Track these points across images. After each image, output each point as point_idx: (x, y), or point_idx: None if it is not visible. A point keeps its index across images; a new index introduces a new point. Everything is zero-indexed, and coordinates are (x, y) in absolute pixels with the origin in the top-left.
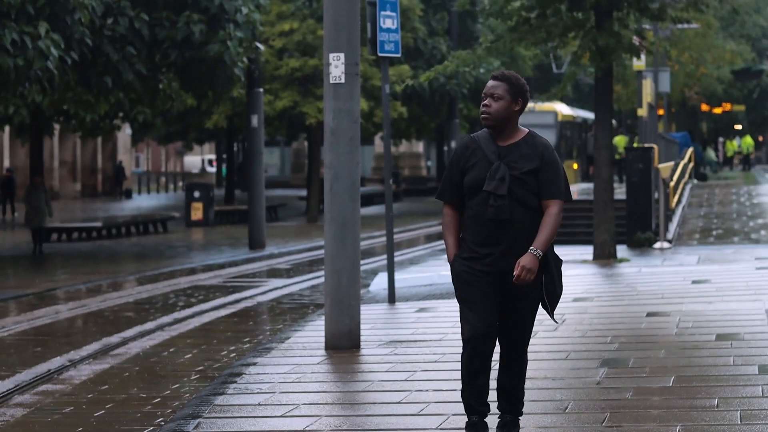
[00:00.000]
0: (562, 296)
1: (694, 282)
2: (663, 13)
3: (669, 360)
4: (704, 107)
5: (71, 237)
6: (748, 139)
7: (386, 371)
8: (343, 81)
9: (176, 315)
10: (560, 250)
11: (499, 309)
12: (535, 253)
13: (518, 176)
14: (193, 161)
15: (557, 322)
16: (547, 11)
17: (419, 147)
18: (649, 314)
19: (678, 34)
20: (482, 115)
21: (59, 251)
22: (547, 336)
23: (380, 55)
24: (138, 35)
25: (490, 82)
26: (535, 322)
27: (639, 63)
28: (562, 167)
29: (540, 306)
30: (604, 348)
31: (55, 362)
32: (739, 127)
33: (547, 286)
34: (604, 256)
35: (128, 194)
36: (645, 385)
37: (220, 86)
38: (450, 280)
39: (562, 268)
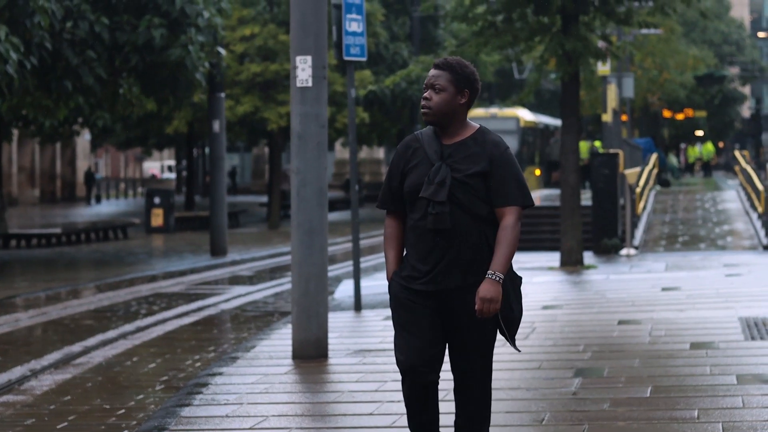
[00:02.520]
0: (534, 303)
1: (663, 289)
2: (629, 18)
3: (644, 369)
4: (666, 113)
5: (30, 243)
6: (709, 146)
7: (356, 381)
8: (310, 84)
9: (138, 323)
10: (525, 257)
11: (445, 336)
12: (495, 277)
13: (461, 179)
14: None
15: (518, 350)
16: (513, 15)
17: (380, 153)
18: (620, 322)
19: (641, 39)
20: (422, 110)
21: (18, 258)
22: (519, 345)
23: (346, 59)
24: (98, 39)
25: (431, 71)
26: None
27: (604, 68)
28: (519, 168)
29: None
30: (577, 357)
31: (16, 372)
32: (700, 133)
33: (502, 309)
34: (571, 263)
35: (98, 199)
36: (622, 395)
37: (181, 91)
38: None
39: (523, 285)
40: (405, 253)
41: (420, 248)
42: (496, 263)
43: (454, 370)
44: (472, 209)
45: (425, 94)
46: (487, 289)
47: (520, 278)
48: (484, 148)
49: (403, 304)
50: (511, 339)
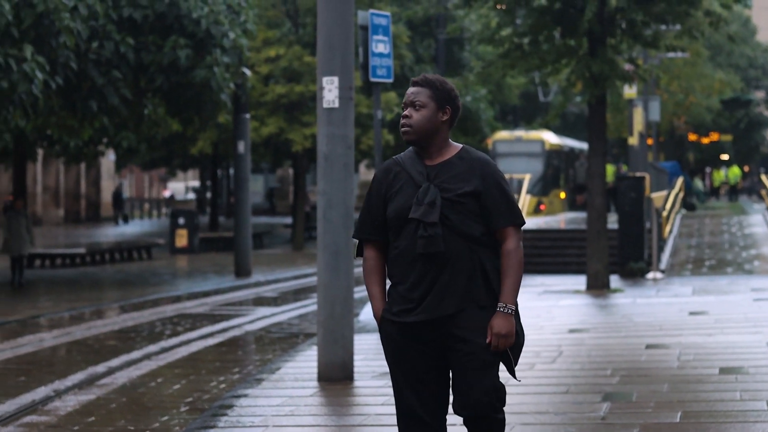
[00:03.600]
0: (560, 326)
1: (691, 313)
2: (656, 41)
3: (674, 394)
4: (692, 137)
5: (54, 263)
6: (735, 170)
7: (382, 404)
8: (337, 105)
9: (163, 344)
10: (551, 280)
11: (445, 370)
12: (506, 310)
13: (453, 199)
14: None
15: (518, 380)
16: (540, 37)
17: None
18: (648, 346)
19: (667, 62)
20: (402, 129)
21: (42, 278)
22: (546, 369)
23: (372, 80)
24: (123, 59)
25: (410, 89)
26: (533, 353)
27: (630, 91)
28: (509, 185)
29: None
30: (605, 381)
31: (40, 392)
32: (725, 157)
33: None
34: (598, 287)
35: (126, 219)
36: (652, 420)
37: (206, 112)
38: None
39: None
40: (389, 286)
41: (410, 275)
42: (505, 294)
43: (458, 404)
44: (464, 230)
45: (405, 113)
46: (501, 325)
47: (516, 304)
48: (472, 166)
49: (399, 346)
50: (511, 368)
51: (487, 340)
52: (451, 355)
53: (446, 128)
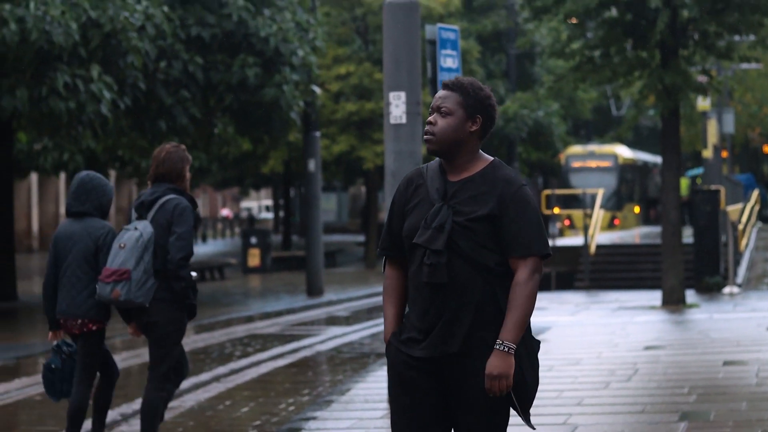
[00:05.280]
0: (635, 343)
1: None
2: (730, 52)
3: (753, 413)
4: (767, 149)
5: None
6: None
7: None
8: (404, 121)
9: (233, 365)
10: (626, 296)
11: (449, 417)
12: (504, 348)
13: (463, 224)
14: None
15: (533, 428)
16: (611, 50)
17: None
18: (725, 363)
19: (741, 74)
20: (424, 137)
21: None
22: (621, 388)
23: None
24: (192, 79)
25: (439, 92)
26: (607, 371)
27: (704, 103)
28: (536, 210)
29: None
30: (682, 400)
31: (107, 416)
32: None
33: (515, 383)
34: (673, 302)
35: (204, 238)
36: None
37: (276, 130)
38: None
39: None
40: (407, 309)
41: (418, 304)
42: (506, 331)
43: None
44: (476, 259)
45: (429, 118)
46: (496, 365)
47: (538, 342)
48: (494, 185)
49: (401, 375)
50: (524, 414)
51: (485, 385)
52: (454, 398)
53: (475, 140)
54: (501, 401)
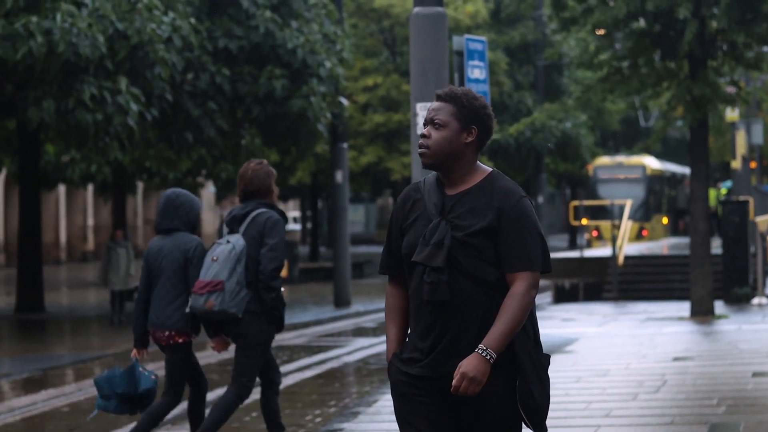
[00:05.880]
0: (664, 354)
1: None
2: (759, 62)
3: None
4: None
5: None
6: None
7: None
8: None
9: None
10: (654, 307)
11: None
12: (484, 353)
13: (462, 239)
14: None
15: None
16: (639, 61)
17: None
18: (755, 374)
19: None
20: (419, 150)
21: None
22: (649, 399)
23: None
24: (219, 91)
25: (433, 104)
26: (636, 382)
27: (732, 114)
28: (536, 223)
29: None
30: (711, 411)
31: (127, 430)
32: None
33: (522, 397)
34: (702, 313)
35: None
36: None
37: (303, 142)
38: (545, 339)
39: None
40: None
41: (420, 323)
42: (490, 337)
43: None
44: (477, 275)
45: (423, 131)
46: (472, 365)
47: (548, 357)
48: (492, 197)
49: (404, 395)
50: (537, 430)
51: (453, 382)
52: (459, 418)
53: (472, 152)
54: (512, 419)
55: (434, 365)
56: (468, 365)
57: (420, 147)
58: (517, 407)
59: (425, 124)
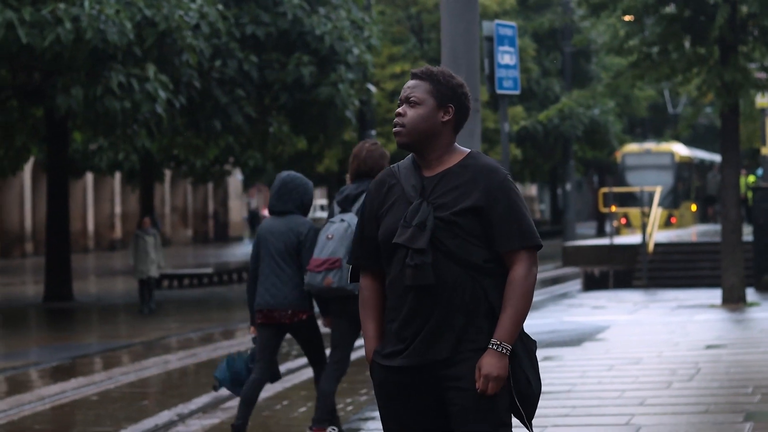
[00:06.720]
0: (696, 342)
1: None
2: None
3: None
4: None
5: (182, 284)
6: None
7: (515, 426)
8: None
9: (289, 365)
10: (685, 295)
11: (446, 424)
12: (500, 349)
13: (447, 219)
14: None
15: None
16: (669, 46)
17: (533, 190)
18: None
19: None
20: (393, 129)
21: (170, 298)
22: (683, 387)
23: (498, 92)
24: (247, 78)
25: (408, 82)
26: (669, 370)
27: (763, 100)
28: (523, 200)
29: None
30: (746, 400)
31: (164, 416)
32: None
33: (517, 384)
34: (733, 300)
35: None
36: None
37: (331, 129)
38: (576, 326)
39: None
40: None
41: (401, 310)
42: (501, 330)
43: None
44: (462, 257)
45: (398, 110)
46: (492, 364)
47: (534, 342)
48: (476, 175)
49: (389, 395)
50: (526, 421)
51: (478, 386)
52: (449, 408)
53: (449, 131)
54: (504, 411)
55: (416, 353)
56: (488, 366)
57: (394, 126)
58: (511, 396)
59: (400, 103)
